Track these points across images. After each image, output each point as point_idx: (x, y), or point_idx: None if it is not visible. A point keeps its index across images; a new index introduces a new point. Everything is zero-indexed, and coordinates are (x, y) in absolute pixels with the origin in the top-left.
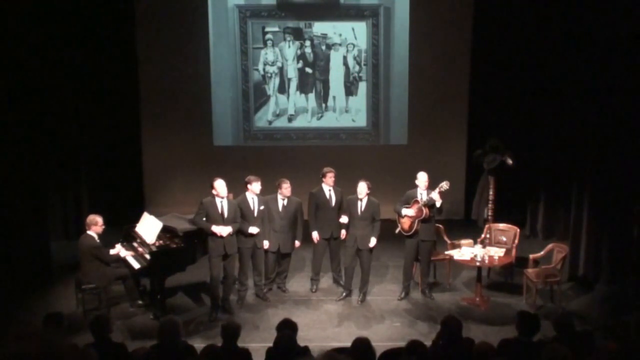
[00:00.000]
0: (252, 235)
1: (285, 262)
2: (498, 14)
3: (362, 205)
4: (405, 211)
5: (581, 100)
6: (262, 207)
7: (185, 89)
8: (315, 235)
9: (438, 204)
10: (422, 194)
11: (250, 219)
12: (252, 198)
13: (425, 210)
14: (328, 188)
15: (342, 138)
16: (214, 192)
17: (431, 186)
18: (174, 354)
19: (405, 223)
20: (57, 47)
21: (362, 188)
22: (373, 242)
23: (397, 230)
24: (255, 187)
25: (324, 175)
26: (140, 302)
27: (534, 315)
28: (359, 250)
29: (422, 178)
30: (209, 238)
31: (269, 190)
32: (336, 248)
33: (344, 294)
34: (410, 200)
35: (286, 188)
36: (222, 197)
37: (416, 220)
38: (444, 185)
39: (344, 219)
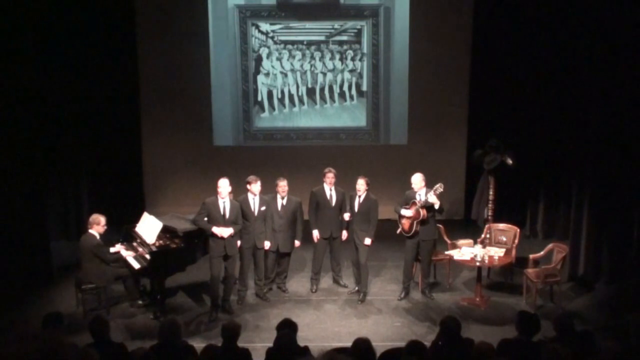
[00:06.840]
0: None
1: (284, 261)
2: (498, 14)
3: (359, 200)
4: (403, 212)
5: (581, 100)
6: (263, 208)
7: (185, 89)
8: (315, 234)
9: (437, 206)
10: (420, 195)
11: (251, 219)
12: (253, 198)
13: (422, 212)
14: (329, 187)
15: (342, 138)
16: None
17: (429, 185)
18: (174, 354)
19: (405, 224)
20: (57, 47)
21: (360, 185)
22: (367, 241)
23: (398, 231)
24: (254, 187)
25: (324, 175)
26: (140, 302)
27: (534, 315)
28: (356, 246)
29: (415, 180)
30: (210, 238)
31: (269, 190)
32: (336, 248)
33: (356, 288)
34: (409, 201)
35: (282, 187)
36: (223, 198)
37: (414, 222)
38: (438, 188)
39: (346, 216)
